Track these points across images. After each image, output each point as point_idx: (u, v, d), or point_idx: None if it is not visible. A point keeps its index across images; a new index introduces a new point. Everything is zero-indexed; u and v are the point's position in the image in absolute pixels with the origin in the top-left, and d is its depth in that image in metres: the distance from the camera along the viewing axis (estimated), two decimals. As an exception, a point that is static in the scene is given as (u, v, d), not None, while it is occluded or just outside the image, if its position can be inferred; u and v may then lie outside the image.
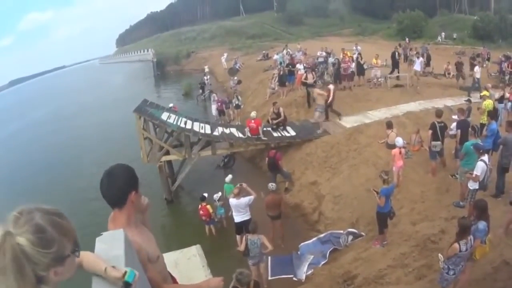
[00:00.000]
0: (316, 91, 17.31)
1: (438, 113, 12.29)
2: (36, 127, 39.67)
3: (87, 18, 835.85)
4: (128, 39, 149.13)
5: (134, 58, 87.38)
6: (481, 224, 6.90)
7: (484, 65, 25.76)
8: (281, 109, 17.91)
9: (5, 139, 37.06)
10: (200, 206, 12.83)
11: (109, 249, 2.18)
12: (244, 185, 11.13)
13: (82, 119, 36.97)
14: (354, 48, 27.22)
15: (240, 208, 11.30)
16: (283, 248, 11.40)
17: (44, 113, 47.40)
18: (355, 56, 23.50)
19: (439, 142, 11.84)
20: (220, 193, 13.31)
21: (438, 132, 11.77)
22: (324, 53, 25.33)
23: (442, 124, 11.96)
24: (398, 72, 22.72)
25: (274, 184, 12.18)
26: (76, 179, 20.37)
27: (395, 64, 22.98)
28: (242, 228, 11.25)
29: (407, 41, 35.87)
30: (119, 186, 2.50)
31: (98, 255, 2.13)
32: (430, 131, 11.89)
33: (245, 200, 11.20)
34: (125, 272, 1.96)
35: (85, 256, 2.05)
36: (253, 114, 17.32)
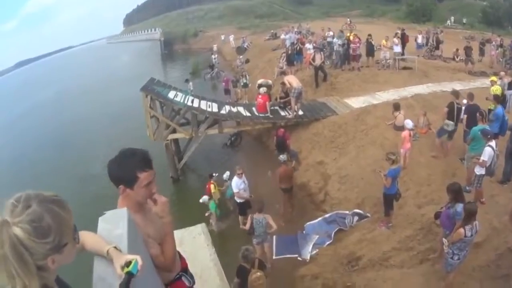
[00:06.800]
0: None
1: (456, 94, 12.13)
2: (43, 107, 39.95)
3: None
4: (135, 19, 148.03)
5: (142, 37, 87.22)
6: (459, 207, 6.91)
7: (497, 51, 25.38)
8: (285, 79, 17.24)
9: (15, 119, 37.31)
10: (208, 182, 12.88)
11: (112, 228, 2.18)
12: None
13: (90, 98, 37.29)
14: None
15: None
16: (288, 227, 11.42)
17: (52, 93, 47.55)
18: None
19: (452, 122, 11.73)
20: (228, 172, 13.29)
21: (455, 112, 11.64)
22: (331, 33, 25.06)
23: (460, 106, 11.82)
24: (403, 54, 22.48)
25: (284, 156, 12.28)
26: (82, 156, 20.53)
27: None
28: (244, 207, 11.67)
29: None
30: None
31: (100, 236, 2.13)
32: (446, 109, 11.78)
33: (239, 181, 11.45)
34: (130, 262, 1.93)
35: (87, 237, 2.05)
36: (262, 89, 17.19)
